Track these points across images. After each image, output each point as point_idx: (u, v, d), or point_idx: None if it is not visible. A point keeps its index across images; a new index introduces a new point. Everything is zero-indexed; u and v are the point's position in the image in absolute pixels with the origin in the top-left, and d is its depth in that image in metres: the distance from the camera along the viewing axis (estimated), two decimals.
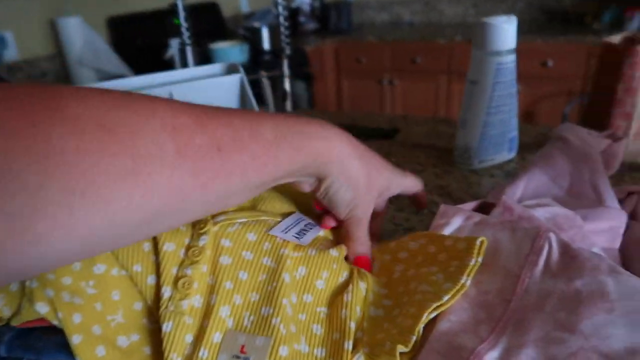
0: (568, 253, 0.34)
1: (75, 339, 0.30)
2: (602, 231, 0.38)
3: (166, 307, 0.31)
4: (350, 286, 0.35)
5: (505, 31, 0.61)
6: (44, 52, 1.87)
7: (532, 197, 0.44)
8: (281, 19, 1.14)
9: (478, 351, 0.29)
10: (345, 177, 0.36)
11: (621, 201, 0.43)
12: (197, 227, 0.35)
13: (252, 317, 0.33)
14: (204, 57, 1.85)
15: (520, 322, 0.31)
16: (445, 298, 0.32)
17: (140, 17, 2.13)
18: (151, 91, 0.64)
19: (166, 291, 0.32)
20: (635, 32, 0.77)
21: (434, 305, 0.32)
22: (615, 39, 0.76)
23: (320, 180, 0.37)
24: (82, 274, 0.32)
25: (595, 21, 2.24)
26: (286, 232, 0.38)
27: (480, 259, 0.35)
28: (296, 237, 0.38)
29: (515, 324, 0.31)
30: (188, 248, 0.34)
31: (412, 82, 2.49)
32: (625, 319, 0.29)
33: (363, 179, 0.37)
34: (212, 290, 0.33)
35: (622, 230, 0.39)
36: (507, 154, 0.67)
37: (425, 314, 0.31)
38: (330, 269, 0.36)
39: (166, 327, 0.31)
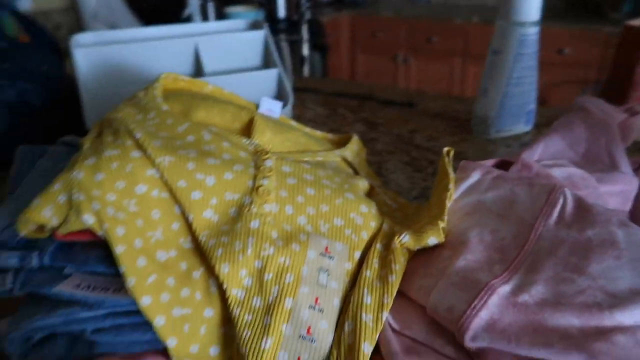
0: (582, 206, 0.36)
1: (118, 249, 0.33)
2: (615, 193, 0.40)
3: (249, 210, 0.35)
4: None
5: (530, 2, 0.62)
6: (58, 5, 1.86)
7: (549, 159, 0.45)
8: None
9: (492, 284, 0.31)
10: None
11: (634, 172, 0.45)
12: (259, 156, 0.40)
13: (327, 225, 0.37)
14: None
15: (533, 263, 0.33)
16: (450, 186, 0.39)
17: None
18: (174, 42, 0.65)
19: (246, 199, 0.36)
20: None
21: (448, 194, 0.39)
22: (637, 22, 0.77)
23: None
24: (126, 192, 0.34)
25: (613, 11, 2.22)
26: None
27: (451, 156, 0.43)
28: None
29: (528, 266, 0.33)
30: (257, 167, 0.38)
31: (427, 62, 2.48)
32: (631, 264, 0.31)
33: None
34: (285, 201, 0.37)
35: (633, 195, 0.41)
36: (524, 126, 0.69)
37: (447, 197, 0.38)
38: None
39: (254, 224, 0.35)
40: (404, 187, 0.56)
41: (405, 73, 2.56)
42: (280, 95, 0.68)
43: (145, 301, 0.31)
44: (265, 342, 0.31)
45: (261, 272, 0.33)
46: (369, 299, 0.33)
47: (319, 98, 0.89)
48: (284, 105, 0.65)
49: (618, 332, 0.28)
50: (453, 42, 2.36)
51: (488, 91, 0.66)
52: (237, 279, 0.33)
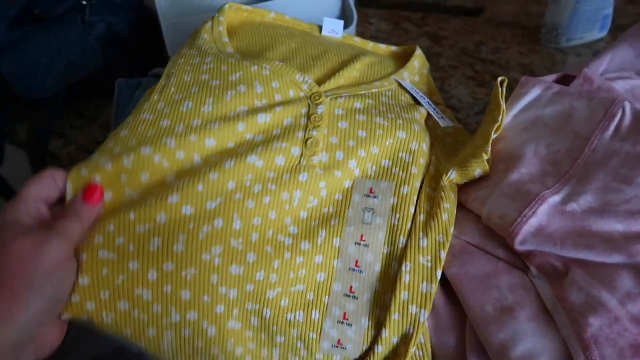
0: (639, 119, 0.37)
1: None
2: None
3: (299, 163, 0.38)
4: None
5: None
6: None
7: (616, 71, 0.45)
8: None
9: (543, 195, 0.34)
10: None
11: None
12: (313, 99, 0.41)
13: (374, 167, 0.39)
14: None
15: (584, 175, 0.35)
16: (499, 118, 0.38)
17: None
18: None
19: (295, 150, 0.38)
20: None
21: (495, 126, 0.38)
22: None
23: None
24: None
25: None
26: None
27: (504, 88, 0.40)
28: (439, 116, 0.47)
29: (579, 177, 0.36)
30: (309, 116, 0.40)
31: None
32: None
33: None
34: (336, 148, 0.39)
35: None
36: (597, 33, 0.66)
37: (493, 129, 0.38)
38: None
39: (302, 177, 0.37)
40: (465, 102, 0.58)
41: None
42: (344, 13, 0.69)
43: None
44: (320, 276, 0.36)
45: (307, 220, 0.37)
46: (424, 242, 0.36)
47: (382, 12, 0.89)
48: (349, 25, 0.66)
49: None
50: None
51: None
52: (284, 225, 0.36)
